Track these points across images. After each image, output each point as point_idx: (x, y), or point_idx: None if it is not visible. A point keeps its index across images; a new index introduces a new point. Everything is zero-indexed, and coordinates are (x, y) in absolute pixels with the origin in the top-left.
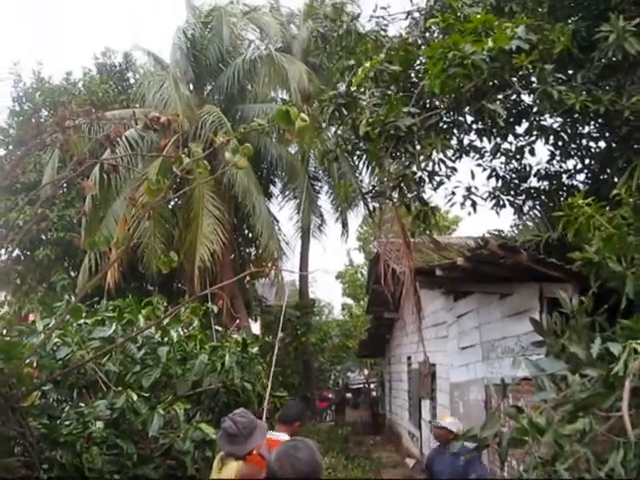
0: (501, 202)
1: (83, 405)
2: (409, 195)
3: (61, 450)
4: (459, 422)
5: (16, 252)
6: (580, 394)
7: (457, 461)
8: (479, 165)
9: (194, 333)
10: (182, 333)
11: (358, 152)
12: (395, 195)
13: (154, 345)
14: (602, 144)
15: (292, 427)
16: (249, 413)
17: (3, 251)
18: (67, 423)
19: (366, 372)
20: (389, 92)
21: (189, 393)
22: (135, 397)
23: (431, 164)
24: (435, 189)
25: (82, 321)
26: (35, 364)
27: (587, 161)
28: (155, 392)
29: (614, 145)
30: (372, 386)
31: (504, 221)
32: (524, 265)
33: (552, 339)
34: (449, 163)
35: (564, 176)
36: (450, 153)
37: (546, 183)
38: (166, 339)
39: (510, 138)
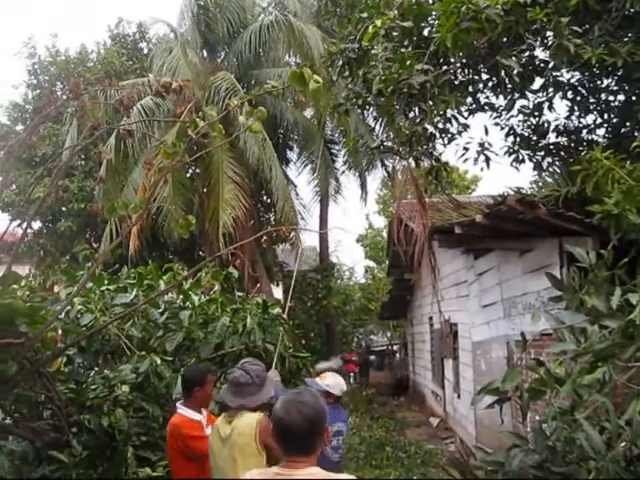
0: (520, 157)
1: (108, 370)
2: (419, 150)
3: (88, 414)
4: (341, 382)
5: (38, 225)
6: (599, 344)
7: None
8: (497, 124)
9: (215, 297)
10: (203, 298)
11: (369, 107)
12: (405, 151)
13: (176, 309)
14: (621, 97)
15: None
16: (259, 362)
17: (25, 224)
18: (93, 387)
19: (389, 334)
20: (402, 49)
21: (212, 356)
22: (159, 361)
23: (443, 121)
24: (446, 145)
25: (104, 288)
26: (59, 330)
27: (607, 115)
28: (178, 356)
29: (634, 98)
30: (395, 348)
31: (524, 179)
32: (543, 220)
33: (570, 293)
34: (462, 120)
35: (584, 131)
36: (464, 109)
37: (565, 139)
38: (188, 303)
39: (527, 94)
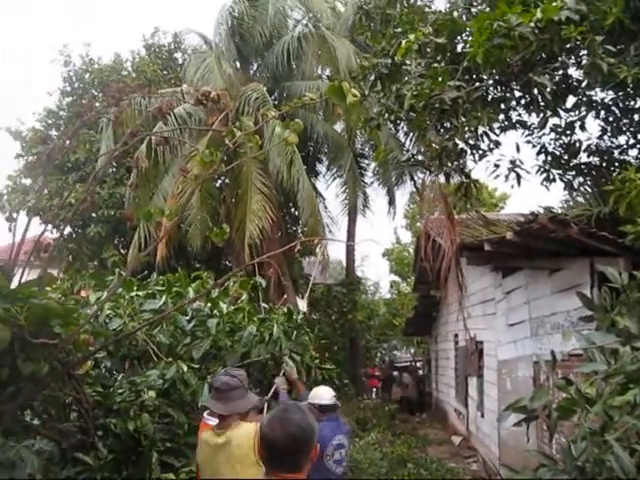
0: (551, 176)
1: (134, 375)
2: (449, 165)
3: (115, 417)
4: (326, 393)
5: (68, 230)
6: (631, 366)
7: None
8: (528, 142)
9: (242, 306)
10: (231, 307)
11: (402, 123)
12: (435, 166)
13: (203, 317)
14: None
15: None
16: (241, 369)
17: (58, 228)
18: (120, 391)
19: (412, 350)
20: (434, 64)
21: (238, 365)
22: (185, 368)
23: (474, 137)
24: (477, 162)
25: (134, 294)
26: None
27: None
28: (205, 363)
29: None
30: (419, 364)
31: (553, 198)
32: (574, 239)
33: (602, 314)
34: (493, 137)
35: (616, 152)
36: (496, 126)
37: (597, 159)
38: (215, 311)
39: (560, 113)
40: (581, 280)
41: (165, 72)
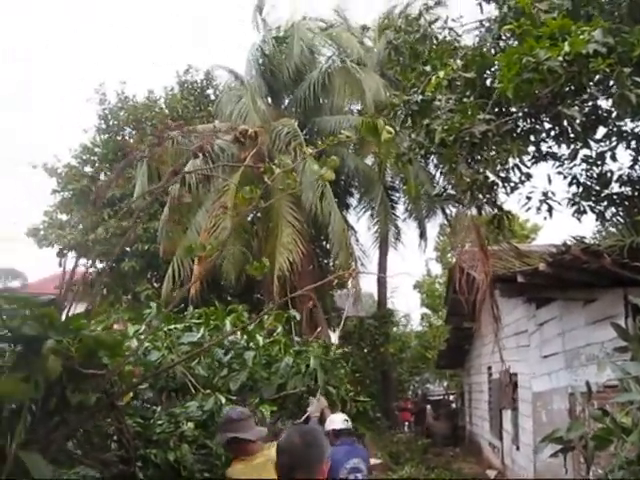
0: (582, 208)
1: (171, 407)
2: (481, 198)
3: (155, 448)
4: (339, 418)
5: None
6: None
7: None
8: (559, 173)
9: (278, 339)
10: (266, 339)
11: (432, 157)
12: (466, 199)
13: (240, 350)
14: None
15: None
16: None
17: (92, 263)
18: (159, 423)
19: (445, 383)
20: (464, 99)
21: (274, 397)
22: (223, 400)
23: (505, 169)
24: (509, 194)
25: (172, 326)
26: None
27: None
28: (242, 395)
29: None
30: (451, 397)
31: (585, 229)
32: (608, 270)
33: (636, 344)
34: (524, 169)
35: None
36: (526, 159)
37: (629, 189)
38: (251, 344)
39: (590, 144)
40: (615, 311)
41: (197, 108)
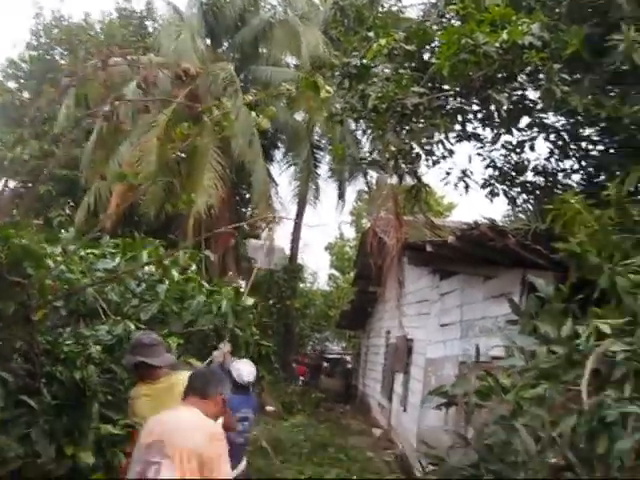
0: (495, 191)
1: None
2: (404, 167)
3: (61, 366)
4: (249, 371)
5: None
6: (544, 364)
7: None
8: (479, 154)
9: (193, 276)
10: (180, 276)
11: (363, 122)
12: (390, 166)
13: (154, 282)
14: (600, 148)
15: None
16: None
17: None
18: (68, 343)
19: (344, 344)
20: (401, 70)
21: (182, 332)
22: (133, 327)
23: (430, 143)
24: (430, 167)
25: (88, 251)
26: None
27: (584, 162)
28: (151, 326)
29: (611, 151)
30: (348, 358)
31: (498, 211)
32: (511, 250)
33: (526, 319)
34: (448, 145)
35: (560, 174)
36: (451, 136)
37: (542, 179)
38: (165, 278)
39: (513, 131)
40: (512, 289)
41: (135, 39)
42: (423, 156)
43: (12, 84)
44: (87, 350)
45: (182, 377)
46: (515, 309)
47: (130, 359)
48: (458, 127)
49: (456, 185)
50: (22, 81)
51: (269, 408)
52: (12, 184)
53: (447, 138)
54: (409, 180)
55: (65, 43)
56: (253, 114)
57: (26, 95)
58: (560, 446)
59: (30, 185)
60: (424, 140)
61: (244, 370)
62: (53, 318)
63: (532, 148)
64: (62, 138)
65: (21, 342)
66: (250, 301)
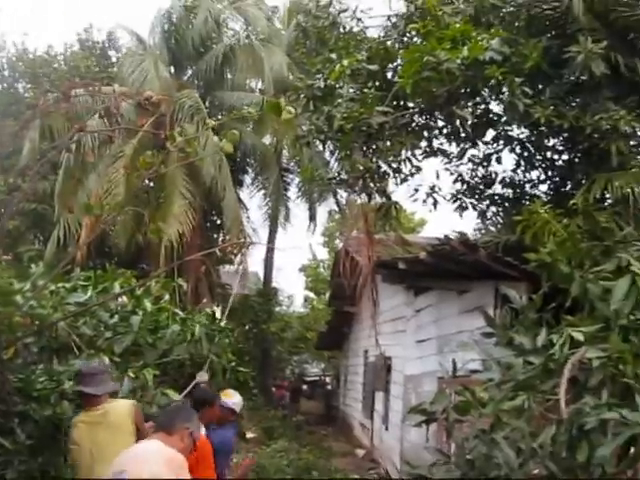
0: (464, 205)
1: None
2: (372, 186)
3: (35, 404)
4: (241, 400)
5: None
6: (521, 375)
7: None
8: (447, 169)
9: (166, 306)
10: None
11: (329, 142)
12: (358, 186)
13: (126, 314)
14: (565, 157)
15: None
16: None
17: None
18: (41, 380)
19: (322, 365)
20: (365, 89)
21: (157, 362)
22: (107, 360)
23: (397, 161)
24: (398, 184)
25: (59, 285)
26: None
27: (550, 172)
28: (125, 358)
29: (576, 160)
30: (327, 379)
31: (468, 225)
32: (482, 263)
33: (501, 331)
34: (415, 162)
35: (527, 185)
36: (418, 153)
37: (510, 191)
38: (138, 309)
39: (478, 144)
40: (486, 301)
41: (97, 69)
42: (391, 174)
43: None
44: (61, 386)
45: (117, 405)
46: (489, 321)
47: (73, 388)
48: (424, 143)
49: (424, 201)
50: None
51: (249, 435)
52: None
53: (414, 155)
54: (378, 198)
55: (29, 76)
56: (216, 139)
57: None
58: (541, 457)
59: None
60: (391, 158)
61: (238, 398)
62: (25, 355)
63: (499, 161)
64: (28, 172)
65: None
66: (223, 323)
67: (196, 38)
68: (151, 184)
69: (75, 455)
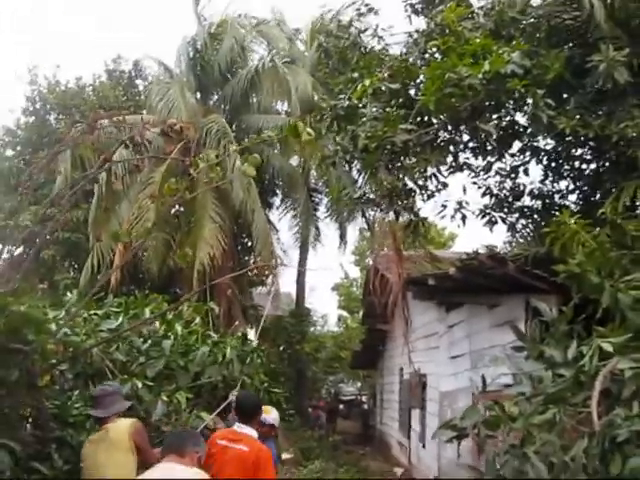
0: (493, 219)
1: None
2: (399, 204)
3: (71, 429)
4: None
5: (19, 251)
6: (551, 388)
7: None
8: (474, 183)
9: (196, 329)
10: (184, 330)
11: (355, 162)
12: (385, 204)
13: (158, 338)
14: (593, 167)
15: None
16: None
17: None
18: (77, 405)
19: (358, 384)
20: (388, 108)
21: (191, 385)
22: (140, 385)
23: (423, 178)
24: (425, 201)
25: (92, 312)
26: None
27: (579, 182)
28: (158, 382)
29: (604, 168)
30: (364, 398)
31: (499, 238)
32: (511, 276)
33: (532, 344)
34: (441, 178)
35: (556, 196)
36: (444, 168)
37: (539, 202)
38: (170, 333)
39: (505, 157)
40: (516, 315)
41: (125, 98)
42: (417, 191)
43: (9, 152)
44: None
45: (118, 423)
46: (519, 335)
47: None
48: (450, 159)
49: (452, 217)
50: (19, 148)
51: (286, 455)
52: (16, 251)
53: (439, 171)
54: (406, 216)
55: (60, 108)
56: (238, 163)
57: (23, 162)
58: (573, 470)
59: (31, 250)
60: (417, 175)
61: (276, 414)
62: (61, 382)
63: (526, 172)
64: (60, 201)
65: (29, 409)
66: (254, 344)
67: (222, 64)
68: (181, 209)
69: (82, 473)
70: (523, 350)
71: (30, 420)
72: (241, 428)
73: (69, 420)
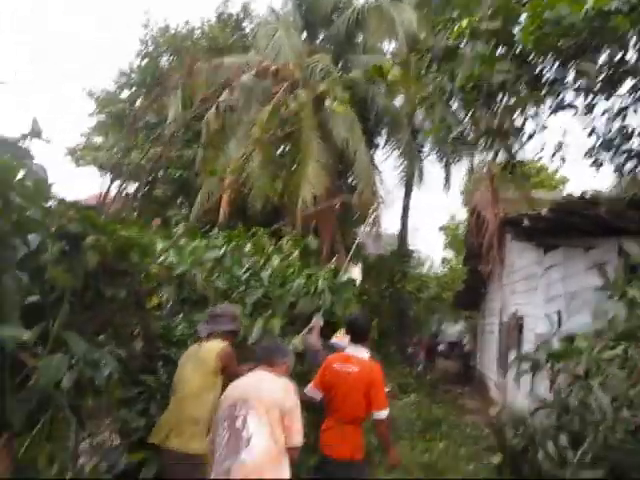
0: (599, 160)
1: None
2: (497, 145)
3: (175, 348)
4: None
5: (133, 188)
6: (624, 323)
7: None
8: (579, 124)
9: (293, 262)
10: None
11: (454, 101)
12: (482, 144)
13: (258, 269)
14: None
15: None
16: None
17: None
18: (180, 327)
19: (461, 325)
20: (486, 48)
21: (285, 314)
22: (239, 310)
23: (523, 118)
24: (524, 142)
25: (196, 244)
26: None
27: None
28: (256, 309)
29: None
30: (465, 339)
31: (608, 181)
32: (603, 219)
33: (615, 285)
34: (542, 119)
35: None
36: (545, 107)
37: None
38: (268, 265)
39: (611, 97)
40: (609, 258)
41: (233, 40)
42: (517, 132)
43: (125, 93)
44: (197, 333)
45: (210, 343)
46: (604, 276)
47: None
48: (550, 99)
49: (552, 158)
50: (134, 89)
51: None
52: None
53: (540, 111)
54: (505, 156)
55: (171, 50)
56: (328, 101)
57: (137, 103)
58: (636, 405)
59: (147, 187)
60: (515, 115)
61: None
62: (167, 307)
63: (636, 112)
64: (173, 140)
65: (138, 327)
66: (347, 277)
67: (327, 2)
68: (287, 148)
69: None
70: (607, 290)
71: (139, 337)
72: (353, 349)
73: (173, 340)
